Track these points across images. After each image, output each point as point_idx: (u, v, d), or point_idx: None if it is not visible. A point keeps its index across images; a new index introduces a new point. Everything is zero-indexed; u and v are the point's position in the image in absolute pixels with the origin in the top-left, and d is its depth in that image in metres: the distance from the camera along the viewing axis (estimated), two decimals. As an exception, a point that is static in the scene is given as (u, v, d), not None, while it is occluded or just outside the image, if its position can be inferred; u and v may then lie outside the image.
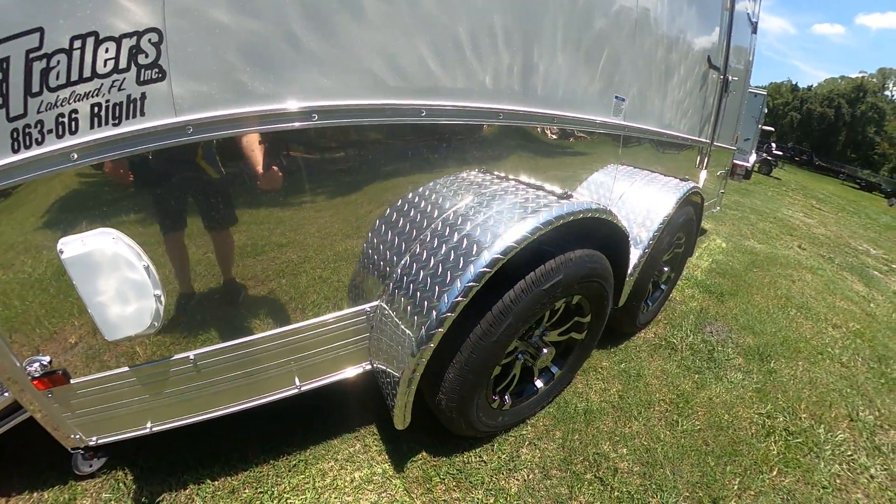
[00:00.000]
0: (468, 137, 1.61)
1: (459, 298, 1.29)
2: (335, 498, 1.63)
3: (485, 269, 1.31)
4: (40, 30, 0.83)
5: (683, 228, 2.91)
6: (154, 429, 1.30)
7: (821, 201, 13.39)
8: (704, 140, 3.78)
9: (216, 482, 1.62)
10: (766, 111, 15.97)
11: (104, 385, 1.20)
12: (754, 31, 4.29)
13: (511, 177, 1.79)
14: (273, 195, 1.22)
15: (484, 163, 1.72)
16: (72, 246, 0.98)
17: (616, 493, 1.85)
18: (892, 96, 43.62)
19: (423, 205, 1.54)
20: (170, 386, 1.27)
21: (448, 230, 1.46)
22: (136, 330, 1.10)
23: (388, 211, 1.52)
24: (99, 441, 1.27)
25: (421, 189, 1.55)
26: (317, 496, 1.62)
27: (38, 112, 0.88)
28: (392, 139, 1.39)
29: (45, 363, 1.08)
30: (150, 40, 0.92)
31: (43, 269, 1.01)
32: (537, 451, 1.99)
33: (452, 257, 1.37)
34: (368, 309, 1.56)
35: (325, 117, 1.19)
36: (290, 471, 1.71)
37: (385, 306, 1.52)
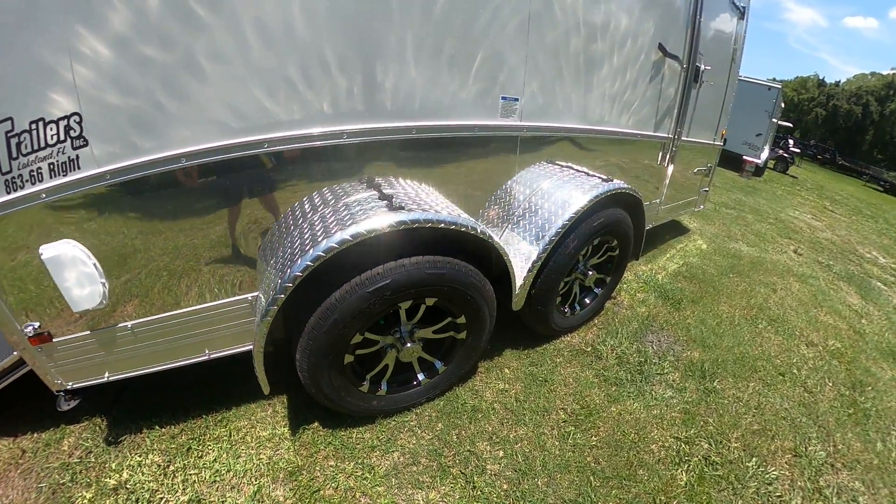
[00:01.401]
0: (315, 159, 1.80)
1: (288, 284, 1.54)
2: (242, 449, 1.93)
3: (308, 263, 1.54)
4: (10, 118, 1.31)
5: (611, 231, 2.65)
6: (110, 378, 1.79)
7: (835, 203, 12.65)
8: (664, 135, 3.44)
9: (163, 429, 2.00)
10: (782, 105, 15.17)
11: (75, 343, 1.69)
12: (742, 16, 3.91)
13: (366, 192, 1.82)
14: (172, 216, 1.66)
15: (337, 179, 1.89)
16: (47, 250, 1.47)
17: (478, 492, 1.84)
18: (927, 94, 41.50)
19: (289, 219, 1.81)
20: (117, 346, 1.76)
21: (298, 239, 1.67)
22: (91, 305, 1.58)
23: (269, 226, 1.85)
24: (74, 385, 1.75)
25: (286, 209, 1.84)
26: (230, 446, 1.95)
27: (19, 169, 1.37)
28: (247, 169, 1.69)
29: (36, 327, 1.59)
30: (75, 120, 1.38)
31: (32, 267, 1.51)
32: (414, 438, 2.07)
33: (289, 256, 1.62)
34: (250, 297, 1.91)
35: (191, 159, 1.55)
36: (216, 424, 2.04)
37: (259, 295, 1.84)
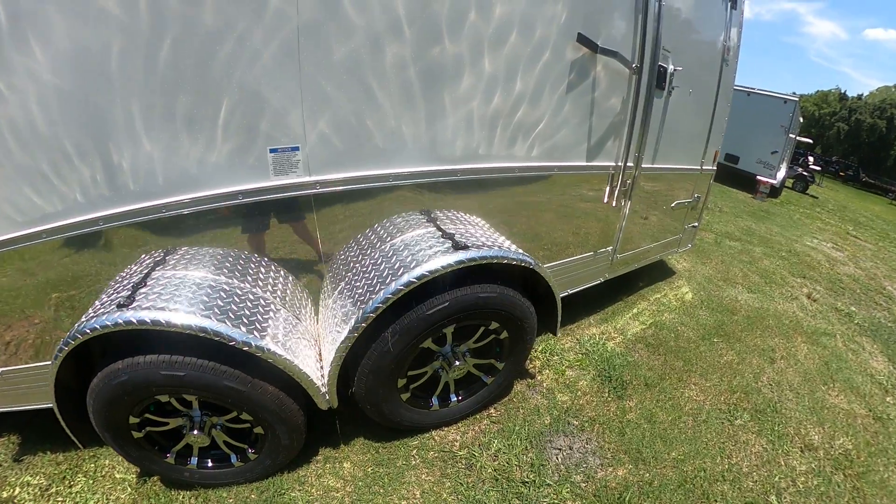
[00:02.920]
0: (83, 247, 1.60)
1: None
2: (99, 487, 1.91)
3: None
4: None
5: (474, 314, 1.91)
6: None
7: (859, 226, 11.43)
8: (606, 165, 2.58)
9: (54, 454, 2.02)
10: (800, 120, 14.02)
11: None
12: (734, 4, 3.08)
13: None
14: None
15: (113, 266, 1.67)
16: None
17: None
18: (956, 106, 39.50)
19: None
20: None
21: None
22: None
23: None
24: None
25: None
26: (92, 482, 1.93)
27: None
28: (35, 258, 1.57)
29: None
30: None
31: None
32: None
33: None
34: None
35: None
36: (89, 458, 2.01)
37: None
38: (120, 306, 1.38)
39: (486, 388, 2.26)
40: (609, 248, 2.97)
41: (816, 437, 2.54)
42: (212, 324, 1.41)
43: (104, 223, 1.53)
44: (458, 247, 1.74)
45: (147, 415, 1.64)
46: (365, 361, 1.77)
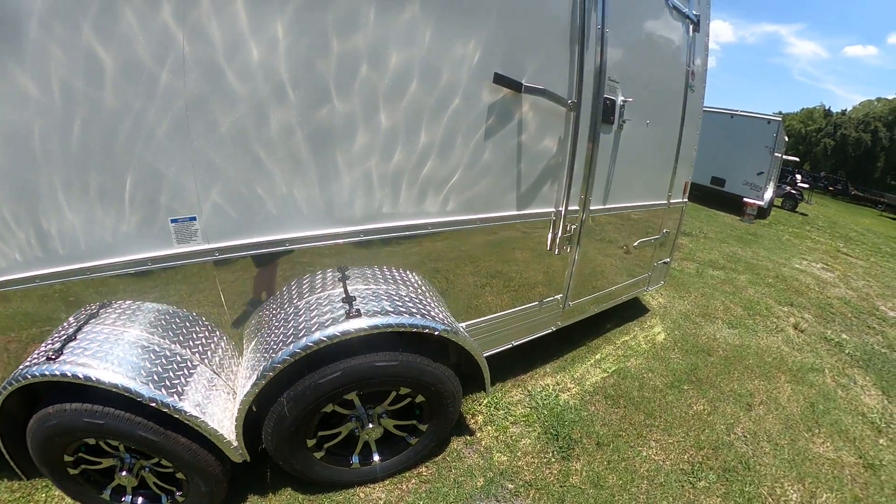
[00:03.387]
0: (22, 300, 1.67)
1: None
2: None
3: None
4: None
5: (379, 382, 1.86)
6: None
7: (850, 242, 11.26)
8: (544, 211, 2.45)
9: (10, 482, 2.02)
10: (785, 139, 14.05)
11: None
12: (696, 26, 3.05)
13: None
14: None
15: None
16: None
17: None
18: (937, 115, 40.21)
19: None
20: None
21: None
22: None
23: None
24: None
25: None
26: None
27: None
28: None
29: None
30: None
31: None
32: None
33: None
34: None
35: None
36: (42, 488, 2.01)
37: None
38: (48, 359, 1.51)
39: (411, 449, 2.12)
40: (558, 296, 2.79)
41: (794, 495, 2.28)
42: (127, 382, 1.51)
43: (40, 281, 1.64)
44: (350, 315, 1.65)
45: (81, 454, 1.75)
46: (266, 422, 1.78)
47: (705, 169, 12.14)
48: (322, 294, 1.85)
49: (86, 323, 1.69)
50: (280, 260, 1.80)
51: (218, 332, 1.86)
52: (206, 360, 1.77)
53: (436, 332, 1.75)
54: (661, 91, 3.00)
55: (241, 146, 1.60)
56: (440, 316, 1.86)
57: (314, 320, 1.69)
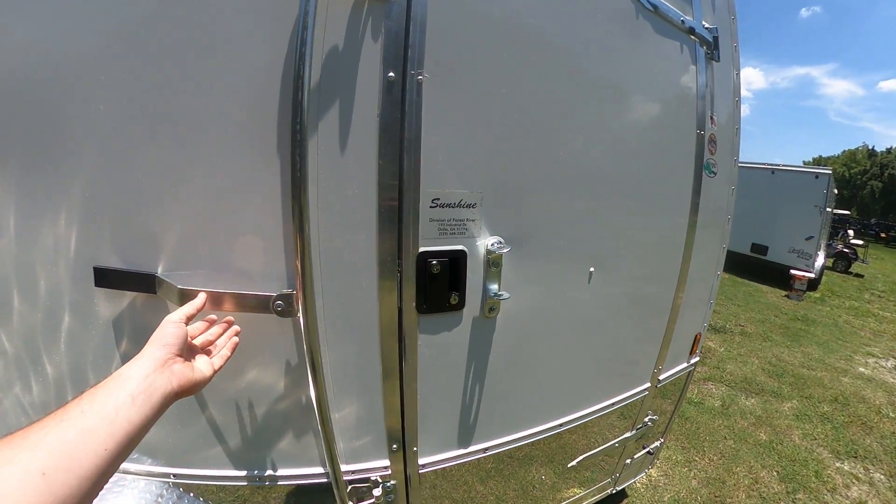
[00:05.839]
0: None
1: None
2: None
3: None
4: None
5: None
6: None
7: (925, 312, 9.03)
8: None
9: None
10: (835, 192, 11.55)
11: None
12: (712, 52, 1.59)
13: None
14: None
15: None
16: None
17: None
18: None
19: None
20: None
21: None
22: None
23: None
24: None
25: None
26: None
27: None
28: None
29: None
30: None
31: None
32: None
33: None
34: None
35: None
36: None
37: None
38: None
39: None
40: None
41: None
42: None
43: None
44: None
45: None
46: None
47: (744, 234, 10.00)
48: None
49: None
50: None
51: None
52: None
53: None
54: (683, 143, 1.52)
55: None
56: None
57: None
